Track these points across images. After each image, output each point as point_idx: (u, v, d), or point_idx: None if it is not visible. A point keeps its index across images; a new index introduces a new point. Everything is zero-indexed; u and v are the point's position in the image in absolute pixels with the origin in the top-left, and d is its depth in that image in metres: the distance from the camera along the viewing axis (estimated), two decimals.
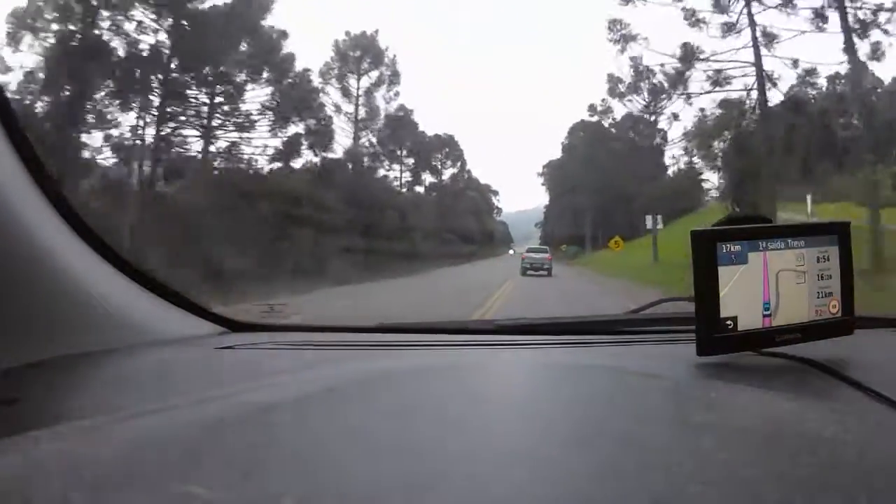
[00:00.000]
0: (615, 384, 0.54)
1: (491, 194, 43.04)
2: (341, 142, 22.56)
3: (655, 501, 0.31)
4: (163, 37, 16.40)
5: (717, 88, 19.40)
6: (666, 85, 22.50)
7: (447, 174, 34.79)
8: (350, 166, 23.62)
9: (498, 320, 1.22)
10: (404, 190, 30.81)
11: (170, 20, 16.27)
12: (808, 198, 14.40)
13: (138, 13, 15.77)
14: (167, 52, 16.66)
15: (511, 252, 37.42)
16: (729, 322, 0.82)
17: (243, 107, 18.27)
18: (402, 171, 31.16)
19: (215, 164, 18.05)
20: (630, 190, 29.82)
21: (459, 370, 0.70)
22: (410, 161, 30.83)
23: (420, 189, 32.20)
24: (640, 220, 25.78)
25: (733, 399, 0.52)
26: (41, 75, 14.73)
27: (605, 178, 31.42)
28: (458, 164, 35.76)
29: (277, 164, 19.05)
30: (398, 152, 30.86)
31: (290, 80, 19.13)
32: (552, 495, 0.32)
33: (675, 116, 24.85)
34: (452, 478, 0.33)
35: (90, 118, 15.32)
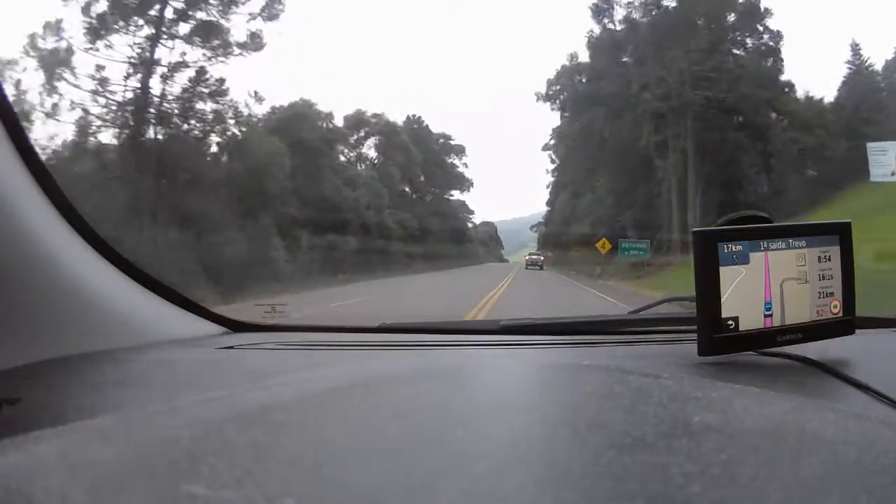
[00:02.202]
0: (616, 384, 0.54)
1: (455, 155, 26.98)
2: None
3: (656, 501, 0.31)
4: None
5: None
6: None
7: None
8: None
9: (500, 320, 1.22)
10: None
11: None
12: None
13: None
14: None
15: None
16: (730, 322, 0.82)
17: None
18: None
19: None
20: (758, 113, 13.71)
21: (461, 370, 0.70)
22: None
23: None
24: (786, 173, 12.82)
25: (734, 399, 0.52)
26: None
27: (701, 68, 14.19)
28: None
29: None
30: None
31: None
32: (553, 495, 0.32)
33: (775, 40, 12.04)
34: (454, 478, 0.33)
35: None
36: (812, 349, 0.84)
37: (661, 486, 0.32)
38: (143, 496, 0.32)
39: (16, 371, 0.81)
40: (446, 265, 22.19)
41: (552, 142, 24.17)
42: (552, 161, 25.68)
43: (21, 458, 0.37)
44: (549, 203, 28.46)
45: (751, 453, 0.37)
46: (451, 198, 29.30)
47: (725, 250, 0.81)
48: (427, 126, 27.81)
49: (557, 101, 21.28)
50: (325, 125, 22.27)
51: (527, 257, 28.67)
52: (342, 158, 23.69)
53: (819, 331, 0.86)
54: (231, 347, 1.06)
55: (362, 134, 24.78)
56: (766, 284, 0.83)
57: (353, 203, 20.65)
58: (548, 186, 28.13)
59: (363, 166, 24.48)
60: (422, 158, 25.31)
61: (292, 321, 1.38)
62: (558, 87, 21.02)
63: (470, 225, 33.40)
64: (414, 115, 27.65)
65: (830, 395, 0.72)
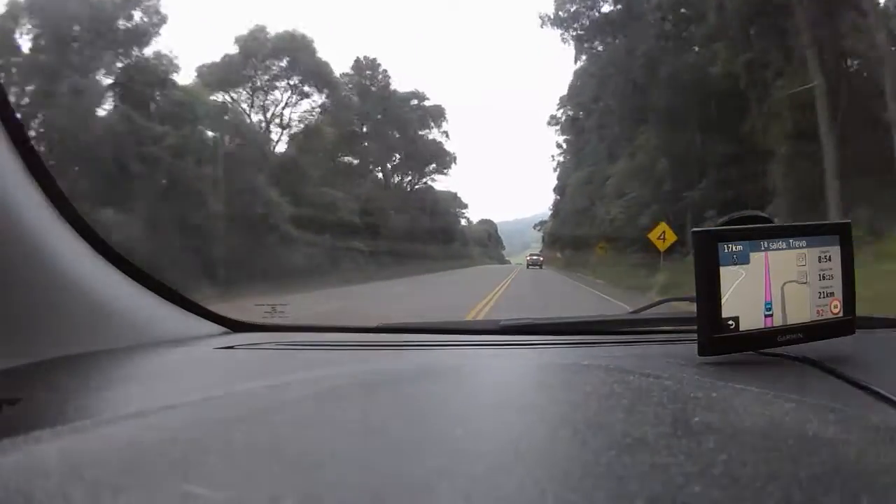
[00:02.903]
0: (616, 384, 0.54)
1: (431, 120, 17.93)
2: None
3: (656, 501, 0.31)
4: None
5: None
6: None
7: None
8: None
9: (500, 320, 1.22)
10: None
11: None
12: None
13: None
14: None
15: None
16: (730, 322, 0.82)
17: None
18: None
19: None
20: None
21: (461, 370, 0.70)
22: None
23: None
24: None
25: (734, 399, 0.52)
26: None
27: None
28: None
29: None
30: None
31: None
32: (553, 495, 0.31)
33: None
34: (454, 478, 0.33)
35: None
36: (812, 349, 0.84)
37: (662, 486, 0.32)
38: (143, 496, 0.32)
39: (16, 371, 0.81)
40: (416, 269, 14.64)
41: (560, 113, 17.23)
42: (559, 147, 19.48)
43: (21, 458, 0.37)
44: (557, 190, 21.12)
45: (751, 453, 0.37)
46: (432, 182, 20.74)
47: (726, 250, 0.81)
48: (386, 72, 17.21)
49: (574, 28, 13.65)
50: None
51: (528, 258, 33.29)
52: (226, 100, 12.64)
53: (819, 331, 0.86)
54: (231, 347, 1.06)
55: (275, 70, 13.94)
56: (766, 284, 0.83)
57: (158, 151, 10.83)
58: (555, 169, 20.96)
59: (262, 114, 13.16)
60: (377, 117, 16.03)
61: (292, 321, 1.38)
62: (574, 9, 13.57)
63: (463, 221, 26.51)
64: (367, 58, 16.99)
65: (831, 396, 0.72)
